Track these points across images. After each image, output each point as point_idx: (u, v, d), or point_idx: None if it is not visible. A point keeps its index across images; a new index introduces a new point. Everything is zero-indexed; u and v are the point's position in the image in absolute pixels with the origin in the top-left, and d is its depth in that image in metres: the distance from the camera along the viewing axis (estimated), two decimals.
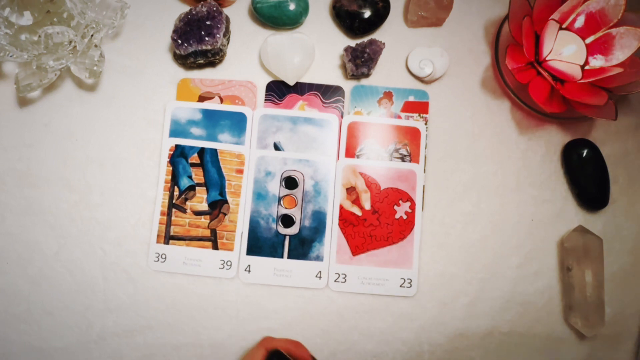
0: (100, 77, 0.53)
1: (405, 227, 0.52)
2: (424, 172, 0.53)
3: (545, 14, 0.50)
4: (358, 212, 0.52)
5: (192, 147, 0.52)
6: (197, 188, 0.52)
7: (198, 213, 0.52)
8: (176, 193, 0.52)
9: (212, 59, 0.53)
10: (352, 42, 0.54)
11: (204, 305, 0.51)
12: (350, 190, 0.52)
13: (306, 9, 0.54)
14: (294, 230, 0.51)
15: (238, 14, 0.55)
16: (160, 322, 0.50)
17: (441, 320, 0.51)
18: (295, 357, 0.45)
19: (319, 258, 0.51)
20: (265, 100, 0.54)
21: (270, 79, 0.54)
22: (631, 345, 0.52)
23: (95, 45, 0.50)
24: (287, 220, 0.52)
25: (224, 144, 0.53)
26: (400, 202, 0.52)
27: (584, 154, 0.52)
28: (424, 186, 0.53)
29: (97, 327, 0.50)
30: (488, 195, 0.53)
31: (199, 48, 0.51)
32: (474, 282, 0.52)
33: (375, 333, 0.51)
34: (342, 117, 0.54)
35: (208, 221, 0.52)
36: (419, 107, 0.54)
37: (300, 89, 0.54)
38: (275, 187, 0.52)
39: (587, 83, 0.50)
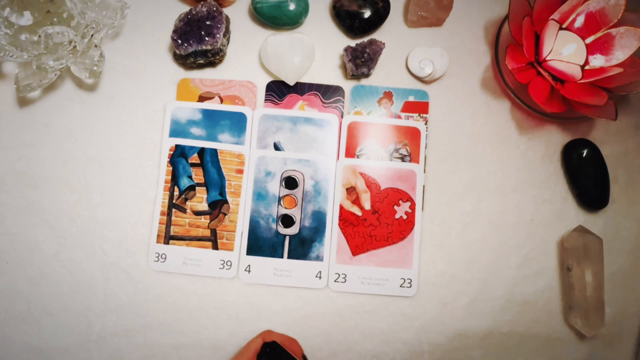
0: (100, 77, 0.53)
1: (405, 227, 0.52)
2: (424, 172, 0.53)
3: (545, 14, 0.50)
4: (358, 212, 0.52)
5: (192, 147, 0.52)
6: (197, 188, 0.52)
7: (198, 213, 0.52)
8: (176, 193, 0.52)
9: (212, 59, 0.53)
10: (352, 42, 0.54)
11: (204, 305, 0.51)
12: (350, 190, 0.52)
13: (306, 9, 0.54)
14: (294, 230, 0.51)
15: (238, 14, 0.55)
16: (160, 322, 0.50)
17: (441, 320, 0.51)
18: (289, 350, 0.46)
19: (319, 258, 0.51)
20: (265, 100, 0.54)
21: (270, 79, 0.54)
22: (631, 345, 0.52)
23: (95, 45, 0.50)
24: (287, 220, 0.52)
25: (224, 144, 0.53)
26: (400, 202, 0.52)
27: (584, 154, 0.52)
28: (424, 186, 0.53)
29: (97, 327, 0.50)
30: (488, 195, 0.53)
31: (199, 48, 0.51)
32: (474, 282, 0.52)
33: (375, 333, 0.51)
34: (342, 117, 0.54)
35: (208, 221, 0.52)
36: (419, 107, 0.54)
37: (300, 89, 0.54)
38: (275, 187, 0.52)
39: (587, 83, 0.50)
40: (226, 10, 0.55)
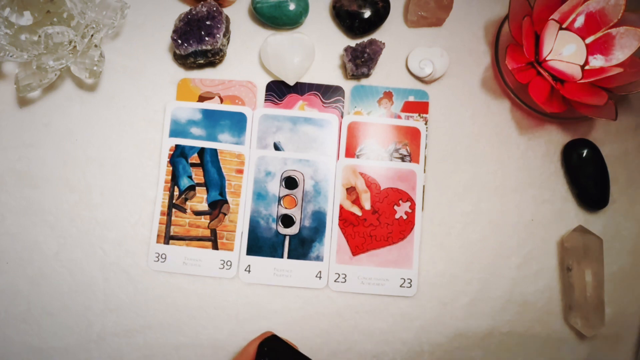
0: (100, 77, 0.53)
1: (405, 227, 0.52)
2: (424, 172, 0.53)
3: (545, 14, 0.50)
4: (358, 212, 0.52)
5: (192, 147, 0.52)
6: (197, 188, 0.52)
7: (198, 213, 0.52)
8: (176, 193, 0.52)
9: (212, 59, 0.53)
10: (352, 42, 0.54)
11: (204, 305, 0.51)
12: (350, 190, 0.52)
13: (306, 9, 0.54)
14: (294, 230, 0.52)
15: (238, 14, 0.55)
16: (160, 322, 0.50)
17: (441, 320, 0.51)
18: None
19: (319, 258, 0.51)
20: (265, 100, 0.54)
21: (270, 79, 0.54)
22: (631, 345, 0.52)
23: (95, 45, 0.50)
24: (287, 220, 0.52)
25: (224, 144, 0.53)
26: (400, 202, 0.52)
27: (584, 154, 0.52)
28: (424, 186, 0.53)
29: (97, 327, 0.50)
30: (488, 195, 0.53)
31: (199, 48, 0.51)
32: (474, 282, 0.52)
33: (375, 333, 0.51)
34: (342, 117, 0.54)
35: (208, 221, 0.52)
36: (419, 107, 0.54)
37: (300, 89, 0.54)
38: (275, 187, 0.52)
39: (587, 83, 0.50)
40: (226, 10, 0.55)
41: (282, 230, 0.52)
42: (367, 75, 0.54)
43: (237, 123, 0.53)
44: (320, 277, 0.51)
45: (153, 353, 0.50)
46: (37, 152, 0.52)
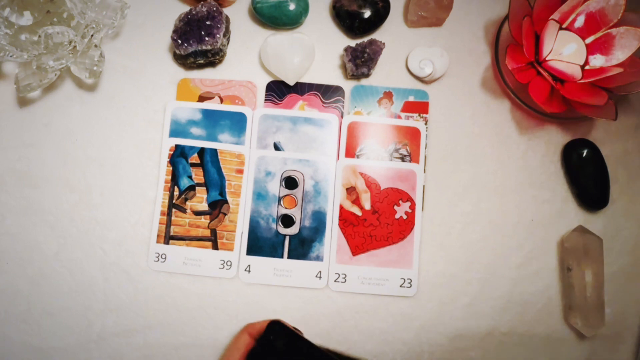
0: (100, 77, 0.53)
1: (405, 227, 0.52)
2: (424, 172, 0.53)
3: (545, 14, 0.50)
4: (358, 212, 0.52)
5: (192, 147, 0.52)
6: (197, 188, 0.52)
7: (198, 213, 0.52)
8: (176, 193, 0.52)
9: (212, 59, 0.53)
10: (352, 42, 0.54)
11: (204, 305, 0.51)
12: (350, 190, 0.52)
13: (306, 9, 0.54)
14: (294, 230, 0.51)
15: (238, 14, 0.55)
16: (160, 322, 0.50)
17: (441, 320, 0.51)
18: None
19: (319, 258, 0.51)
20: (265, 100, 0.54)
21: (270, 79, 0.54)
22: (631, 345, 0.52)
23: (95, 45, 0.50)
24: (287, 220, 0.52)
25: (224, 144, 0.53)
26: (400, 202, 0.52)
27: (584, 154, 0.52)
28: (424, 186, 0.53)
29: (97, 327, 0.50)
30: (488, 195, 0.53)
31: (199, 48, 0.51)
32: (474, 282, 0.52)
33: (375, 333, 0.51)
34: (342, 117, 0.54)
35: (208, 221, 0.52)
36: (419, 107, 0.54)
37: (300, 89, 0.54)
38: (275, 187, 0.52)
39: (587, 83, 0.50)
40: (226, 10, 0.55)
41: (282, 230, 0.51)
42: (367, 75, 0.54)
43: (237, 123, 0.53)
44: (320, 277, 0.51)
45: (153, 353, 0.50)
46: (37, 152, 0.52)
